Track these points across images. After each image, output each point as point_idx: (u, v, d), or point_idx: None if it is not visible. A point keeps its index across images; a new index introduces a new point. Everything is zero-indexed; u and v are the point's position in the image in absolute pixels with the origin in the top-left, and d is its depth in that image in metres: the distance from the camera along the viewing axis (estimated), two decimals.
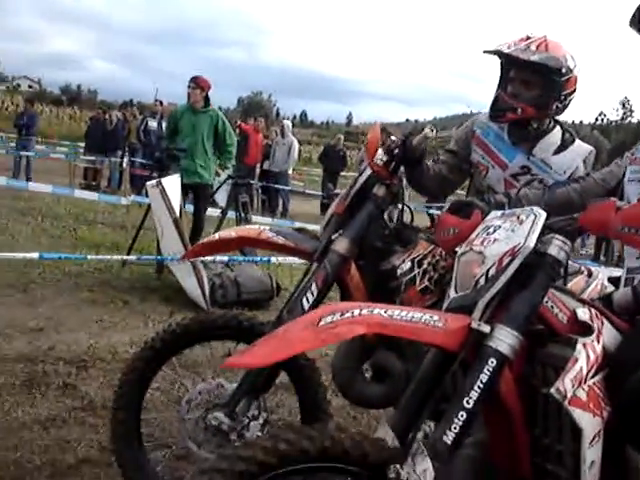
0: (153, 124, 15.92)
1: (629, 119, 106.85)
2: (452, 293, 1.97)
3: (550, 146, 3.24)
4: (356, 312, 1.77)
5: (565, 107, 3.21)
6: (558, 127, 3.30)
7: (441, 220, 2.37)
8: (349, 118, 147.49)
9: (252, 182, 13.63)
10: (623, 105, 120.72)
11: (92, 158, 17.23)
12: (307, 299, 2.82)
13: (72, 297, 6.12)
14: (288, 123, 16.42)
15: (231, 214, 8.51)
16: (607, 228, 1.90)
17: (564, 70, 3.10)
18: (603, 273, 2.93)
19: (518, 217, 1.96)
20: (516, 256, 1.85)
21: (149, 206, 7.10)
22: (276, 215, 14.66)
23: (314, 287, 2.83)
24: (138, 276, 7.20)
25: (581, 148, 3.26)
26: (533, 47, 3.10)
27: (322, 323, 1.74)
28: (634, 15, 2.41)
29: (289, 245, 3.06)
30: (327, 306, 1.91)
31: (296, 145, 15.81)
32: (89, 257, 6.78)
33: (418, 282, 2.91)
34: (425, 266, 2.93)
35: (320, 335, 1.72)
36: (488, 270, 1.88)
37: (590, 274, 3.05)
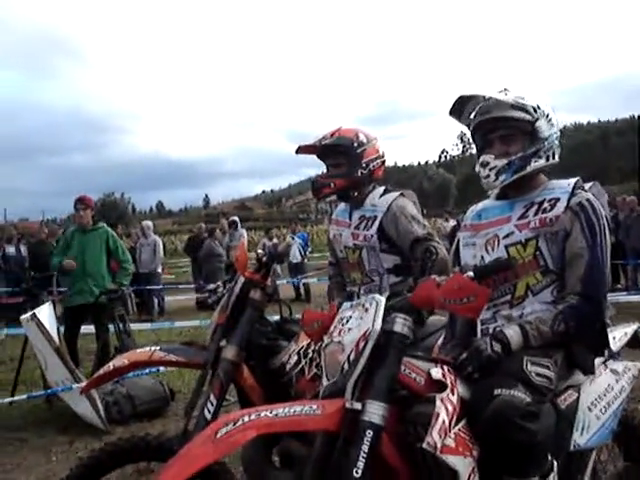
0: (11, 249, 15.62)
1: (469, 151, 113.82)
2: (325, 382, 2.30)
3: (375, 196, 3.84)
4: (246, 419, 2.06)
5: (372, 171, 3.83)
6: (382, 188, 3.91)
7: (304, 316, 2.69)
8: (206, 200, 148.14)
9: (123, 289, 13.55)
10: (461, 139, 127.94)
11: None
12: (208, 410, 3.09)
13: None
14: (148, 223, 16.43)
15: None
16: (433, 302, 2.29)
17: (356, 144, 3.78)
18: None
19: (364, 306, 2.32)
20: (368, 339, 2.22)
21: (26, 336, 7.03)
22: (154, 316, 14.64)
23: (212, 397, 3.12)
24: (29, 411, 7.07)
25: (398, 193, 3.86)
26: (328, 135, 3.82)
27: (219, 435, 2.02)
28: (454, 106, 2.90)
29: (182, 361, 3.35)
30: (221, 418, 2.18)
31: (160, 243, 15.87)
32: None
33: (307, 371, 3.25)
34: (310, 355, 3.27)
35: (219, 447, 2.01)
36: (349, 356, 2.23)
37: None
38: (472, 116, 2.87)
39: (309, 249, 19.13)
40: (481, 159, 2.83)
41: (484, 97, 2.81)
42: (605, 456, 3.09)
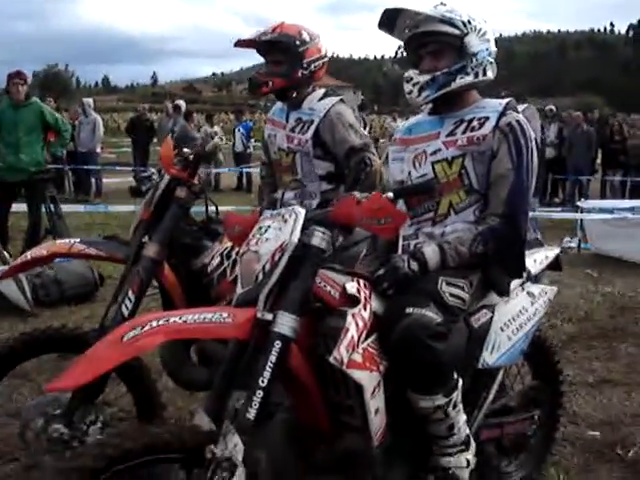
0: None
1: None
2: (239, 289, 2.27)
3: (314, 98, 3.72)
4: (154, 324, 2.02)
5: (313, 72, 3.67)
6: (322, 90, 3.79)
7: (226, 219, 2.63)
8: (154, 78, 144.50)
9: (59, 167, 13.26)
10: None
11: None
12: (126, 306, 3.03)
13: None
14: (89, 101, 15.84)
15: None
16: (352, 220, 2.26)
17: (298, 42, 3.59)
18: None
19: (283, 217, 2.27)
20: (285, 251, 2.18)
21: None
22: (90, 197, 14.41)
23: (131, 294, 3.05)
24: None
25: (338, 98, 3.75)
26: (269, 30, 3.61)
27: (125, 339, 1.98)
28: (382, 19, 2.77)
29: (102, 255, 3.27)
30: (129, 322, 2.15)
31: (100, 122, 15.37)
32: None
33: (229, 274, 3.21)
34: (234, 257, 3.21)
35: (125, 350, 1.97)
36: (264, 266, 2.20)
37: None
38: (406, 31, 2.77)
39: (252, 140, 18.77)
40: (405, 74, 2.76)
41: (415, 12, 2.70)
42: (514, 373, 3.19)
